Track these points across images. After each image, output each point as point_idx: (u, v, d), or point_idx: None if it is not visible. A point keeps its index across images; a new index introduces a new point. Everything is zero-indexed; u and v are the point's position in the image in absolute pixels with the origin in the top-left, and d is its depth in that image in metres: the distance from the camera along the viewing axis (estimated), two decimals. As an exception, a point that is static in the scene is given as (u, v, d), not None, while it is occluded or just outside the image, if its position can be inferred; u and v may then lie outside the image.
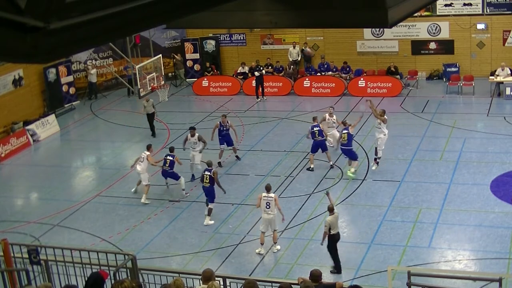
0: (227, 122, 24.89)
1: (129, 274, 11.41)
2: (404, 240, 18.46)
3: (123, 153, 28.00)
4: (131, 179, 24.33)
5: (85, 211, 22.14)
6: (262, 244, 18.49)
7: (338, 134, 24.10)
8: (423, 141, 25.06)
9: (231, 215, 20.88)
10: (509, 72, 30.98)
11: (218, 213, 20.92)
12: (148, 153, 22.68)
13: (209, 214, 20.56)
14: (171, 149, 23.12)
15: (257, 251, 18.54)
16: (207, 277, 10.69)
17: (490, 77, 31.37)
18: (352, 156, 23.03)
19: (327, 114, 25.07)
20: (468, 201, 20.58)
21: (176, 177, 22.66)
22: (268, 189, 18.61)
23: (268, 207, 18.27)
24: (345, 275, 16.94)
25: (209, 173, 20.69)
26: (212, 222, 20.47)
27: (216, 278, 11.00)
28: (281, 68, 35.20)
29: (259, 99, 32.86)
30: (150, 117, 28.95)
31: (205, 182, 20.70)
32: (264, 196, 18.41)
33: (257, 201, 18.71)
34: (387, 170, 23.22)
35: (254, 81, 33.46)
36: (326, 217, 17.27)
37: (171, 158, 22.54)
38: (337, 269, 17.10)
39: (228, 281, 11.88)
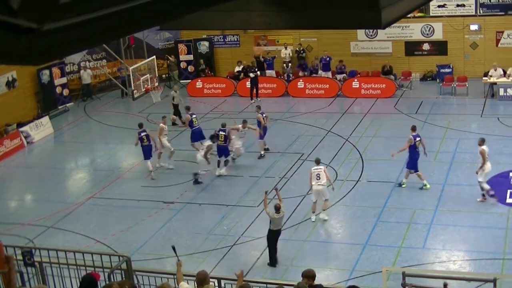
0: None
1: (123, 276, 11.40)
2: (399, 241, 18.48)
3: (117, 155, 27.97)
4: (125, 181, 24.34)
5: (79, 213, 22.10)
6: (313, 212, 20.14)
7: None
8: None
9: (226, 216, 20.88)
10: (501, 72, 31.05)
11: (212, 214, 20.91)
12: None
13: (225, 165, 23.82)
14: (141, 125, 24.74)
15: (312, 218, 20.19)
16: (201, 279, 10.66)
17: (484, 78, 31.44)
18: None
19: None
20: (462, 202, 20.61)
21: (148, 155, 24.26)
22: (317, 162, 20.41)
23: (318, 178, 19.85)
24: (340, 276, 16.95)
25: (224, 133, 23.85)
26: (225, 172, 23.56)
27: (211, 280, 10.98)
28: (272, 59, 35.26)
29: (253, 101, 32.86)
30: (177, 107, 29.79)
31: (220, 141, 23.76)
32: (314, 169, 20.06)
33: (308, 175, 20.25)
34: (382, 171, 23.24)
35: (249, 82, 33.47)
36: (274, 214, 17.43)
37: (144, 134, 24.20)
38: (271, 261, 17.59)
39: (223, 282, 11.88)
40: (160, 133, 24.61)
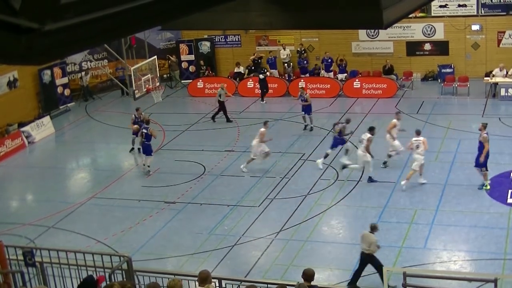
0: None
1: (124, 276, 11.40)
2: (400, 241, 18.47)
3: (118, 155, 27.97)
4: (126, 181, 24.34)
5: (80, 213, 22.10)
6: (420, 174, 21.80)
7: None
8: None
9: (227, 216, 20.87)
10: (505, 73, 31.05)
11: (213, 214, 20.92)
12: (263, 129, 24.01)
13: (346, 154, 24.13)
14: (147, 122, 25.00)
15: (402, 183, 21.62)
16: (204, 278, 10.67)
17: (485, 78, 31.43)
18: None
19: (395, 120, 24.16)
20: (463, 202, 20.60)
21: (148, 151, 24.41)
22: (418, 133, 22.04)
23: (418, 148, 21.55)
24: (341, 276, 16.95)
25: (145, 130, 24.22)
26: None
27: (212, 280, 10.99)
28: (273, 59, 35.24)
29: (264, 101, 32.88)
30: (223, 104, 29.91)
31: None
32: (415, 140, 21.76)
33: (408, 144, 22.04)
34: (383, 171, 23.23)
35: (258, 83, 33.47)
36: None
37: (146, 131, 24.26)
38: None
39: (224, 282, 11.88)
40: (261, 138, 23.99)
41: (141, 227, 20.62)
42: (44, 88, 33.07)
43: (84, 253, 11.68)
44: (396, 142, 23.47)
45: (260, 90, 33.48)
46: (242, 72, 35.86)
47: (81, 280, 10.11)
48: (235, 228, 20.08)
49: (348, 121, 24.66)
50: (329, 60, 34.45)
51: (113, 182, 24.33)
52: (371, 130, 22.59)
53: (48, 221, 21.45)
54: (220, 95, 29.94)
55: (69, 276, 11.46)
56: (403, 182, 21.71)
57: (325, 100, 32.11)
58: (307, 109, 28.13)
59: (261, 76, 33.21)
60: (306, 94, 28.41)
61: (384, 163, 23.44)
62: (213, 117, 30.33)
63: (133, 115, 27.14)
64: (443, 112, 29.33)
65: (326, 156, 23.95)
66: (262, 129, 24.14)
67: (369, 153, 22.27)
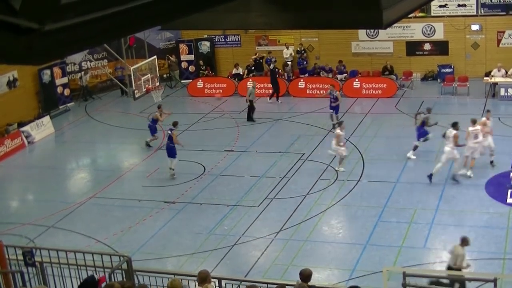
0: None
1: (124, 276, 11.40)
2: (399, 241, 18.48)
3: (118, 155, 27.98)
4: (126, 181, 24.35)
5: (80, 212, 22.11)
6: (471, 168, 22.23)
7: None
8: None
9: (226, 216, 20.87)
10: (504, 73, 31.06)
11: (213, 214, 20.92)
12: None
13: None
14: (174, 124, 24.72)
15: (467, 173, 22.13)
16: (203, 278, 10.67)
17: (485, 78, 31.44)
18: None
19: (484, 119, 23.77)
20: (463, 201, 20.61)
21: (172, 154, 24.17)
22: (474, 122, 22.38)
23: (476, 137, 22.01)
24: (340, 276, 16.96)
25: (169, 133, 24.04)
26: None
27: (212, 280, 10.99)
28: (273, 59, 35.16)
29: (279, 101, 32.87)
30: (252, 103, 30.06)
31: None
32: (472, 129, 22.10)
33: (465, 135, 22.21)
34: (382, 171, 23.25)
35: (270, 81, 33.55)
36: None
37: (170, 133, 24.17)
38: None
39: (223, 282, 11.88)
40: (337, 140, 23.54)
41: (141, 227, 20.62)
42: (44, 88, 33.06)
43: (84, 253, 11.69)
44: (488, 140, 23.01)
45: (273, 88, 33.25)
46: (241, 73, 35.86)
47: (81, 280, 10.12)
48: (234, 228, 20.08)
49: (429, 111, 24.80)
50: (329, 69, 34.68)
51: (113, 182, 24.33)
52: (455, 125, 21.93)
53: (48, 221, 21.45)
54: (250, 94, 29.92)
55: (69, 275, 11.47)
56: (469, 173, 22.20)
57: (325, 100, 32.11)
58: (336, 108, 28.27)
59: (271, 66, 33.18)
60: (336, 92, 28.50)
61: (491, 162, 23.12)
62: (249, 118, 30.09)
63: (157, 113, 27.48)
64: (442, 112, 29.29)
65: (415, 148, 24.16)
66: (338, 131, 23.83)
67: (459, 145, 21.83)
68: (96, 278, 10.32)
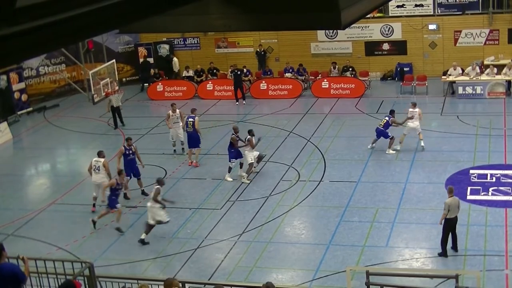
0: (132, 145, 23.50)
1: (86, 282, 11.28)
2: (362, 240, 18.59)
3: (78, 160, 27.69)
4: (87, 186, 24.05)
5: (40, 219, 21.81)
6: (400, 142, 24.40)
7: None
8: (378, 142, 25.20)
9: (189, 219, 20.80)
10: (460, 71, 31.47)
11: (175, 218, 20.81)
12: (102, 159, 22.15)
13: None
14: (192, 111, 25.45)
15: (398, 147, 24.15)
16: (168, 285, 10.65)
17: (443, 77, 31.82)
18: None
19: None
20: (424, 200, 20.82)
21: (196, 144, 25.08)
22: (414, 104, 25.05)
23: (412, 117, 24.74)
24: (304, 277, 17.00)
25: (192, 120, 24.79)
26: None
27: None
28: (248, 73, 34.99)
29: (244, 102, 32.86)
30: (116, 110, 30.06)
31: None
32: (411, 110, 24.83)
33: (405, 117, 24.70)
34: (344, 171, 23.38)
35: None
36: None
37: (192, 120, 24.83)
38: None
39: (187, 286, 11.83)
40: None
41: (102, 233, 20.43)
42: (1, 94, 32.58)
43: (45, 260, 11.53)
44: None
45: (239, 90, 33.10)
46: (192, 75, 35.79)
47: (59, 285, 9.99)
48: (197, 231, 20.02)
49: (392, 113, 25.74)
50: (290, 70, 34.67)
51: (73, 188, 24.07)
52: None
53: (7, 229, 21.12)
54: (110, 101, 30.20)
55: (30, 284, 11.29)
56: (398, 147, 24.56)
57: (287, 100, 32.22)
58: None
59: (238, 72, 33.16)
60: None
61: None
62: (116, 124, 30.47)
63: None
64: (402, 111, 29.49)
65: (390, 144, 24.81)
66: (249, 137, 23.79)
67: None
68: (72, 283, 10.23)
